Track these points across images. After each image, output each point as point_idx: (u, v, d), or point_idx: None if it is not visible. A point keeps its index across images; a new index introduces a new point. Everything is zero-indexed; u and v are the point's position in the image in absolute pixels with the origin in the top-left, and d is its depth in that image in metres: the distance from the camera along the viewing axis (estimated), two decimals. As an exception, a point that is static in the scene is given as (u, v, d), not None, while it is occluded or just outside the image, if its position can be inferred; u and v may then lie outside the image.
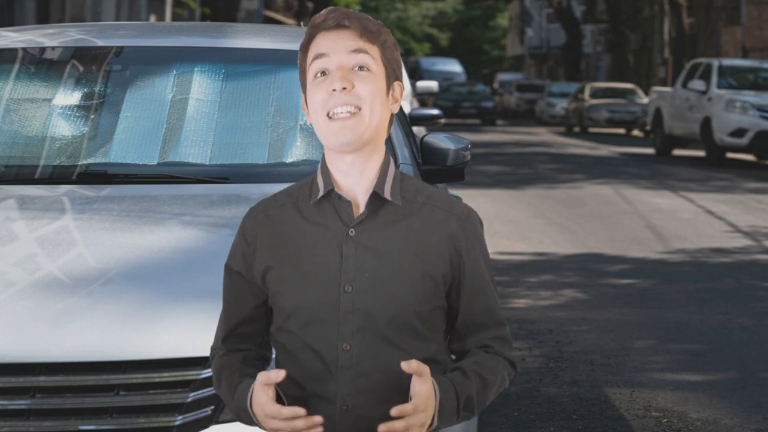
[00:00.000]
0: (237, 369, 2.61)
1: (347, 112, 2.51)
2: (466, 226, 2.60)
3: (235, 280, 2.64)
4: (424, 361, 2.57)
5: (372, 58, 2.55)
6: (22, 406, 3.12)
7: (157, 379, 3.16)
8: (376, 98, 2.54)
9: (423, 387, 2.45)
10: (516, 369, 2.67)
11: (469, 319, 2.62)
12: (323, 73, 2.54)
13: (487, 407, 2.69)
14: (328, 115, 2.52)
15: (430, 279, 2.55)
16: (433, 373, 2.56)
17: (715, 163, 23.38)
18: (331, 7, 2.60)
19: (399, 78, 2.63)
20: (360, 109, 2.51)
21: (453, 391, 2.51)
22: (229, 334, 2.66)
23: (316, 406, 2.54)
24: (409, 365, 2.42)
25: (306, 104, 2.61)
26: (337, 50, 2.53)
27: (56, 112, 4.55)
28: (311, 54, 2.56)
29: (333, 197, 2.57)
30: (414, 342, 2.56)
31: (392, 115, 2.62)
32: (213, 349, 2.70)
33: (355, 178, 2.57)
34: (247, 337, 2.66)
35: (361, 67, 2.54)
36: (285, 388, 2.59)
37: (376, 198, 2.56)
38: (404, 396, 2.53)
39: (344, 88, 2.51)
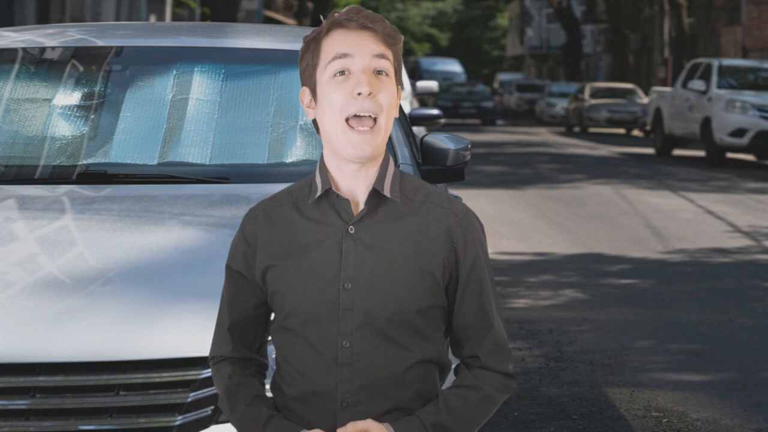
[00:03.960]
0: (257, 396, 2.62)
1: (368, 128, 2.50)
2: (464, 223, 2.60)
3: (236, 279, 2.65)
4: (426, 361, 2.58)
5: (390, 63, 2.55)
6: (22, 406, 3.13)
7: (157, 379, 3.16)
8: (392, 106, 2.55)
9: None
10: (513, 379, 2.65)
11: (464, 320, 2.61)
12: (342, 72, 2.52)
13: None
14: (347, 121, 2.50)
15: (429, 275, 2.56)
16: (432, 376, 2.58)
17: (715, 163, 23.37)
18: (354, 7, 2.58)
19: (399, 81, 2.64)
20: (376, 120, 2.51)
21: (417, 421, 2.52)
22: (232, 338, 2.66)
23: (316, 403, 2.55)
24: (344, 429, 2.47)
25: (313, 98, 2.58)
26: (362, 52, 2.51)
27: (56, 112, 4.55)
28: (330, 50, 2.53)
29: (331, 196, 2.57)
30: (413, 339, 2.56)
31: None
32: (215, 357, 2.69)
33: (354, 176, 2.57)
34: (249, 341, 2.67)
35: (380, 71, 2.53)
36: (286, 386, 2.59)
37: (375, 195, 2.57)
38: (403, 392, 2.54)
39: (370, 93, 2.50)
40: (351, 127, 2.50)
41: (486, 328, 2.62)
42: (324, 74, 2.54)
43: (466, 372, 2.61)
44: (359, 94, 2.49)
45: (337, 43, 2.53)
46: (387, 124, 2.53)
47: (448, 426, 2.54)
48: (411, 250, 2.56)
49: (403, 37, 2.62)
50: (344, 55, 2.51)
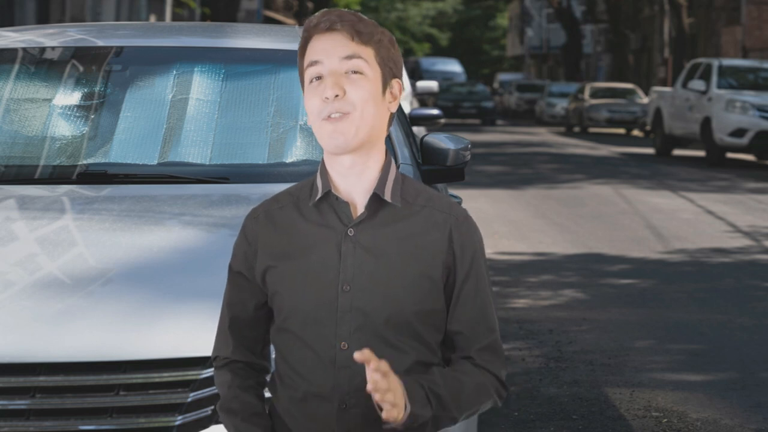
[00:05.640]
0: (254, 414, 2.62)
1: (338, 115, 2.53)
2: (464, 228, 2.60)
3: (237, 280, 2.65)
4: (422, 364, 2.57)
5: (365, 61, 2.55)
6: (22, 406, 3.12)
7: (157, 379, 3.16)
8: (369, 102, 2.55)
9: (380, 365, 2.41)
10: (505, 388, 2.64)
11: (459, 327, 2.60)
12: (318, 77, 2.55)
13: (486, 409, 2.68)
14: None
15: (428, 279, 2.56)
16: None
17: (715, 163, 23.37)
18: (325, 10, 2.61)
19: (398, 76, 2.63)
20: (349, 113, 2.52)
21: (415, 382, 2.49)
22: (233, 338, 2.66)
23: (314, 405, 2.55)
24: (362, 354, 2.38)
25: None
26: (330, 56, 2.54)
27: (56, 112, 4.55)
28: (306, 58, 2.58)
29: (331, 198, 2.58)
30: (412, 342, 2.56)
31: (392, 115, 2.63)
32: (217, 357, 2.70)
33: (354, 179, 2.58)
34: (250, 343, 2.67)
35: (354, 71, 2.54)
36: (284, 387, 2.59)
37: (375, 199, 2.57)
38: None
39: (336, 96, 2.52)
40: (326, 119, 2.54)
41: (483, 334, 2.61)
42: (305, 80, 2.58)
43: (462, 361, 2.60)
44: (327, 98, 2.53)
45: (311, 49, 2.57)
46: (363, 118, 2.54)
47: (444, 400, 2.52)
48: (410, 254, 2.56)
49: (383, 29, 2.61)
50: (315, 63, 2.55)
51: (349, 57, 2.54)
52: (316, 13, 2.61)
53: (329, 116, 2.53)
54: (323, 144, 2.56)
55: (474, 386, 2.57)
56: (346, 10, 2.60)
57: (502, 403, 2.66)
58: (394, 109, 2.63)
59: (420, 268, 2.56)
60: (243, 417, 2.61)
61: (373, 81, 2.56)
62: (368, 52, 2.56)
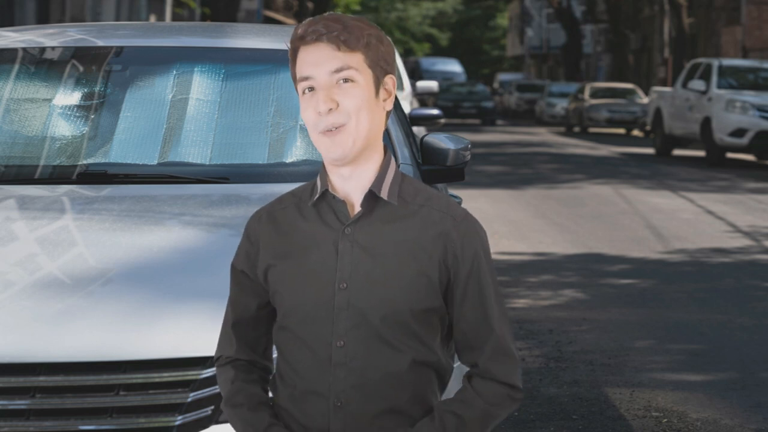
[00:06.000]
0: (260, 403, 2.62)
1: (334, 128, 2.52)
2: (463, 227, 2.59)
3: (240, 279, 2.67)
4: (420, 364, 2.57)
5: (355, 69, 2.54)
6: (22, 406, 3.13)
7: (157, 379, 3.16)
8: (363, 109, 2.54)
9: None
10: (519, 390, 2.62)
11: (464, 326, 2.60)
12: (311, 88, 2.55)
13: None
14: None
15: (425, 277, 2.56)
16: (428, 379, 2.57)
17: (715, 163, 23.38)
18: (310, 19, 2.59)
19: (390, 71, 2.62)
20: (344, 125, 2.52)
21: None
22: (236, 337, 2.67)
23: (311, 402, 2.56)
24: None
25: None
26: (319, 69, 2.54)
27: (56, 112, 4.55)
28: (297, 72, 2.58)
29: (328, 197, 2.59)
30: (408, 341, 2.56)
31: (388, 112, 2.62)
32: (220, 357, 2.70)
33: (354, 182, 2.59)
34: (252, 342, 2.68)
35: (345, 80, 2.54)
36: (284, 385, 2.60)
37: (371, 197, 2.57)
38: (398, 394, 2.53)
39: (330, 109, 2.52)
40: (323, 133, 2.54)
41: (486, 334, 2.60)
42: (299, 91, 2.59)
43: (467, 384, 2.60)
44: (320, 112, 2.53)
45: (300, 63, 2.57)
46: (359, 127, 2.53)
47: None
48: (406, 252, 2.56)
49: (372, 29, 2.59)
50: (306, 78, 2.55)
51: (339, 69, 2.53)
52: (302, 23, 2.59)
53: (325, 130, 2.53)
54: (323, 156, 2.57)
55: (478, 418, 2.56)
56: (331, 15, 2.58)
57: (517, 406, 2.64)
58: (389, 107, 2.62)
59: (417, 267, 2.55)
60: (249, 407, 2.61)
61: (365, 86, 2.55)
62: (357, 59, 2.55)
